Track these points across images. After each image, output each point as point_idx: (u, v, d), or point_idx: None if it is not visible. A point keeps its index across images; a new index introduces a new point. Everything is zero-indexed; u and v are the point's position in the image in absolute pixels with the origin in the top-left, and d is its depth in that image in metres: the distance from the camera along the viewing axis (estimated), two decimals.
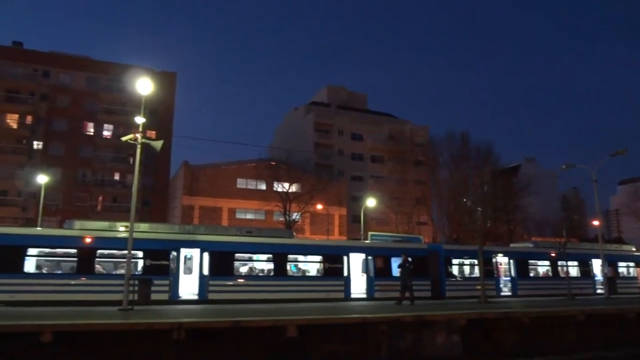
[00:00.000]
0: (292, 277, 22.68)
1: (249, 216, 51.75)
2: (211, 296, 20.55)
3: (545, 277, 29.28)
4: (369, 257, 24.17)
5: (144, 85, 17.86)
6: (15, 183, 48.55)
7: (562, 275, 28.93)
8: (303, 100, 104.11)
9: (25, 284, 18.48)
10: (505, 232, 52.39)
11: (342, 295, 22.71)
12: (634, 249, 34.98)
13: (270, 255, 22.38)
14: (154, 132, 48.92)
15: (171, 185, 55.76)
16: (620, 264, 32.31)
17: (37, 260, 19.39)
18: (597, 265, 30.30)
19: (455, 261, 26.76)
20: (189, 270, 22.68)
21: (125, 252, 17.56)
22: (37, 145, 50.99)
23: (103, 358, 12.84)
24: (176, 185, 54.12)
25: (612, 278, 29.72)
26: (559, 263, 29.24)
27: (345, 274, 23.27)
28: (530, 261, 29.03)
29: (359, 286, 24.20)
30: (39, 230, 23.64)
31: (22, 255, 18.73)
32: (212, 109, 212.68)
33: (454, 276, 26.39)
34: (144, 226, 21.08)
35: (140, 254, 19.87)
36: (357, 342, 15.03)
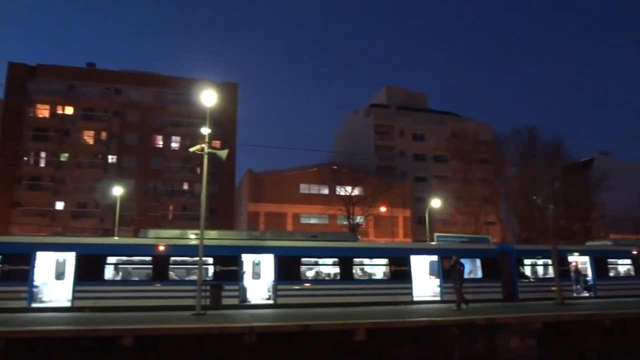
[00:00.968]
0: (358, 281, 22.61)
1: (313, 221, 52.17)
2: (279, 300, 20.85)
3: (627, 277, 27.55)
4: (436, 259, 23.72)
5: (208, 97, 18.44)
6: (94, 196, 51.63)
7: None
8: (362, 103, 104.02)
9: (106, 291, 19.53)
10: (581, 230, 49.76)
11: (408, 298, 22.39)
12: None
13: (336, 259, 22.44)
14: (218, 142, 50.45)
15: (237, 193, 57.24)
16: None
17: (115, 268, 20.46)
18: None
19: (527, 261, 25.71)
20: (257, 275, 23.19)
21: (197, 258, 18.21)
22: (111, 159, 53.96)
23: None
24: (241, 192, 55.50)
25: None
26: None
27: (411, 276, 22.94)
28: (610, 260, 27.41)
29: (426, 289, 23.81)
30: (116, 239, 24.92)
31: (103, 263, 19.83)
32: (272, 116, 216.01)
33: (527, 277, 25.37)
34: (213, 233, 21.70)
35: (210, 260, 20.45)
36: (427, 346, 14.80)
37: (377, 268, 23.35)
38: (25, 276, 18.97)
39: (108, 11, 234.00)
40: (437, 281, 23.55)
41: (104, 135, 54.23)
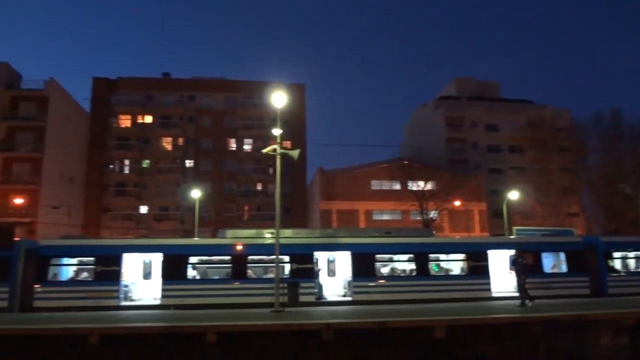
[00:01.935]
0: (434, 277, 22.22)
1: (386, 217, 51.82)
2: (355, 297, 20.92)
3: None
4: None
5: (278, 99, 18.81)
6: (174, 199, 54.36)
7: None
8: (431, 96, 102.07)
9: (189, 289, 20.46)
10: None
11: (487, 294, 21.73)
12: None
13: (411, 255, 22.19)
14: (289, 142, 51.33)
15: (309, 192, 57.97)
16: None
17: (197, 267, 21.38)
18: None
19: (617, 254, 24.15)
20: (332, 273, 23.38)
21: (273, 257, 18.66)
22: (188, 163, 56.39)
23: (258, 356, 13.75)
24: (313, 191, 56.14)
25: None
26: None
27: (490, 271, 22.24)
28: None
29: (505, 284, 23.00)
30: (197, 240, 26.01)
31: (186, 263, 20.79)
32: (340, 114, 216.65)
33: (617, 271, 23.85)
34: (288, 232, 22.10)
35: (286, 258, 20.86)
36: (510, 343, 14.31)
37: (454, 263, 22.85)
38: (115, 276, 20.27)
39: (179, 22, 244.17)
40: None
41: (180, 141, 56.79)
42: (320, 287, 21.61)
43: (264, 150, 19.89)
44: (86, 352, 13.33)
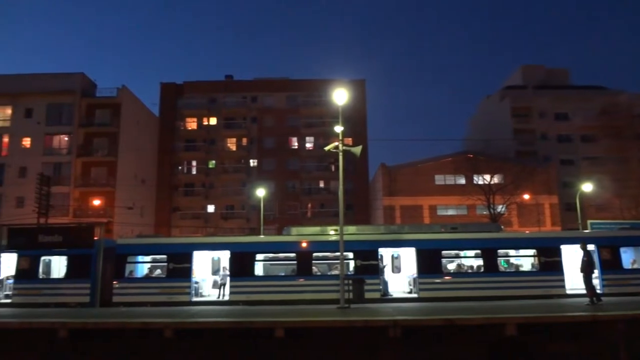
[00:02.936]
0: (503, 273, 21.53)
1: (451, 212, 50.75)
2: (421, 294, 20.64)
3: None
4: (593, 248, 21.66)
5: (339, 96, 18.82)
6: (239, 198, 55.85)
7: None
8: (496, 86, 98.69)
9: (256, 286, 20.94)
10: None
11: (561, 291, 20.74)
12: None
13: (478, 251, 21.61)
14: (350, 139, 51.33)
15: (371, 188, 57.78)
16: None
17: (263, 264, 21.85)
18: None
19: None
20: (397, 269, 23.21)
21: (338, 254, 18.75)
22: (253, 163, 57.75)
23: (326, 352, 13.86)
24: (376, 187, 55.90)
25: None
26: None
27: (563, 267, 21.24)
28: None
29: (581, 281, 21.86)
30: (263, 238, 26.54)
31: (253, 260, 21.30)
32: (402, 109, 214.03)
33: None
34: (351, 228, 22.09)
35: (350, 255, 20.90)
36: (587, 343, 13.63)
37: (525, 259, 22.07)
38: (187, 273, 21.08)
39: (240, 25, 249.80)
40: (594, 272, 21.52)
41: (244, 141, 58.28)
42: (385, 283, 21.50)
43: (327, 148, 20.00)
44: (162, 346, 13.96)
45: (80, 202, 47.51)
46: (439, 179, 52.48)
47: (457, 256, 22.12)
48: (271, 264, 22.03)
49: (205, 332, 14.07)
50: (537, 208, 49.44)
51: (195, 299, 21.23)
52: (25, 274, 21.21)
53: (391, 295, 21.38)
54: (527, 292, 20.30)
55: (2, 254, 20.65)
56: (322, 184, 57.41)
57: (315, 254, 21.29)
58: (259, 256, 21.47)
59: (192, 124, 59.40)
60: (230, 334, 13.99)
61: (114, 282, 20.95)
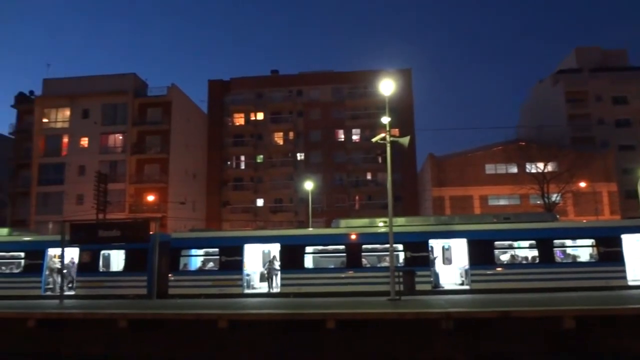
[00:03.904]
0: (559, 264, 20.81)
1: (502, 202, 49.45)
2: (473, 286, 20.27)
3: None
4: None
5: (386, 87, 18.63)
6: (287, 191, 56.45)
7: None
8: (548, 70, 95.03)
9: (306, 278, 21.12)
10: None
11: (622, 282, 19.80)
12: None
13: (533, 242, 20.99)
14: (396, 129, 50.79)
15: (419, 179, 57.09)
16: None
17: (313, 257, 22.01)
18: None
19: None
20: (447, 261, 22.87)
21: (387, 245, 18.65)
22: (300, 156, 58.17)
23: (376, 344, 13.84)
24: (424, 178, 55.17)
25: None
26: None
27: (624, 258, 20.30)
28: None
29: None
30: (312, 230, 26.76)
31: (302, 253, 21.50)
32: (450, 98, 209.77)
33: None
34: (400, 220, 21.91)
35: (400, 247, 20.74)
36: None
37: (582, 249, 21.25)
38: (238, 266, 21.52)
39: (284, 19, 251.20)
40: None
41: (291, 135, 58.76)
42: (436, 275, 21.22)
43: (374, 139, 19.87)
44: (216, 336, 14.33)
45: (135, 198, 49.30)
46: (490, 168, 51.20)
47: (511, 247, 21.57)
48: (321, 257, 22.17)
49: (257, 323, 14.35)
50: (595, 196, 47.45)
51: (247, 291, 21.65)
52: (87, 267, 22.27)
53: (442, 287, 21.10)
54: (585, 283, 19.56)
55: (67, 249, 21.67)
56: (369, 176, 57.18)
57: (364, 246, 21.27)
58: (309, 249, 21.64)
59: (239, 120, 60.40)
60: (282, 325, 14.20)
61: (169, 275, 21.64)
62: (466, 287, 20.79)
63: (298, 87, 60.10)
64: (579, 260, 21.15)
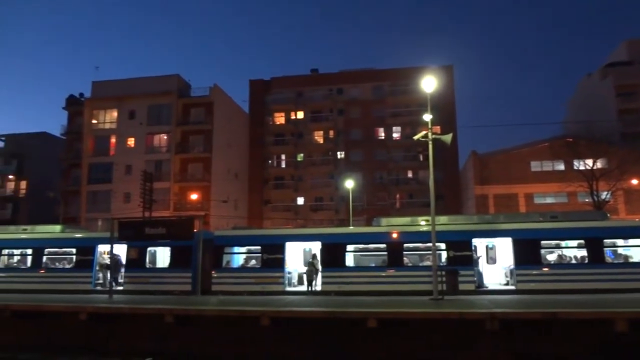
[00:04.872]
0: (610, 265, 20.03)
1: (549, 200, 47.97)
2: (519, 286, 19.76)
3: None
4: None
5: (427, 84, 18.38)
6: (328, 190, 56.56)
7: None
8: (597, 64, 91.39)
9: (347, 277, 21.10)
10: None
11: None
12: None
13: (582, 241, 20.29)
14: (438, 127, 50.05)
15: (462, 177, 56.10)
16: None
17: (354, 255, 21.96)
18: None
19: None
20: (492, 260, 22.40)
21: (429, 244, 18.41)
22: (340, 155, 58.16)
23: (418, 343, 13.71)
24: (466, 176, 54.15)
25: None
26: None
27: None
28: None
29: None
30: (353, 229, 26.70)
31: (344, 251, 21.49)
32: (493, 94, 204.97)
33: None
34: (443, 219, 21.58)
35: (442, 245, 20.43)
36: None
37: (634, 250, 20.38)
38: (280, 264, 21.71)
39: (323, 17, 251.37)
40: None
41: (331, 133, 58.81)
42: (479, 275, 20.82)
43: (416, 137, 19.63)
44: (258, 333, 14.52)
45: (179, 197, 50.46)
46: (535, 166, 49.72)
47: (558, 246, 20.92)
48: (362, 255, 22.11)
49: (300, 321, 14.44)
50: None
51: (288, 288, 21.81)
52: (135, 263, 22.97)
53: (486, 287, 20.69)
54: (639, 285, 18.77)
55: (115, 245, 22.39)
56: (410, 174, 56.63)
57: (406, 245, 21.08)
58: (350, 247, 21.62)
59: (280, 119, 60.89)
60: (323, 323, 14.25)
61: (213, 272, 22.05)
62: (512, 287, 20.32)
63: (338, 85, 60.08)
64: (631, 260, 20.32)
